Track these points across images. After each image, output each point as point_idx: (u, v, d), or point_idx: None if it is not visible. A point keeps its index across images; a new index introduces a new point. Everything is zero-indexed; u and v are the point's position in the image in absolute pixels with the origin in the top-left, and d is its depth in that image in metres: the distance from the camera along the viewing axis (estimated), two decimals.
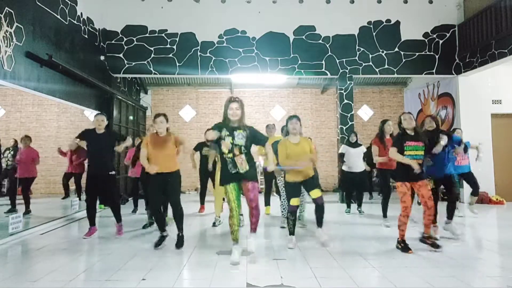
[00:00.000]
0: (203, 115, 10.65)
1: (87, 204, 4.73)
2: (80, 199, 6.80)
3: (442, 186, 4.78)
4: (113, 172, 4.81)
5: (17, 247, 4.32)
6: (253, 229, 3.73)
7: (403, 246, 3.89)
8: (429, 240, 3.98)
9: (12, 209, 6.06)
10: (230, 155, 3.50)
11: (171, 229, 4.35)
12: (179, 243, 4.09)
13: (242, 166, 3.49)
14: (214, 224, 5.39)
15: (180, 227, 4.16)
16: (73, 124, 8.99)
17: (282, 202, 5.34)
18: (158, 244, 4.07)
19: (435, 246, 3.90)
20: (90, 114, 7.47)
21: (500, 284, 2.97)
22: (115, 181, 5.01)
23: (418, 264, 3.46)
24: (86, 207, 4.74)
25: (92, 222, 4.77)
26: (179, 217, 4.16)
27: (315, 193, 4.03)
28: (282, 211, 5.35)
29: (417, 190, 3.94)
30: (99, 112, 4.92)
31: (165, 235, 4.14)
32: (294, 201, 4.10)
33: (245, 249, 3.76)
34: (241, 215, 5.31)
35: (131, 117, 9.09)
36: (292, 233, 4.21)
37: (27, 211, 6.15)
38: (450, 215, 4.56)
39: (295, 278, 3.09)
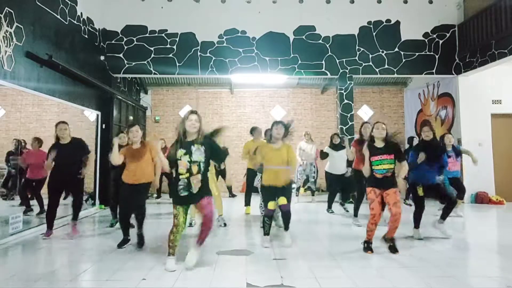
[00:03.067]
0: (203, 115, 10.42)
1: (48, 210, 4.71)
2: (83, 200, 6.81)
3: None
4: (81, 176, 4.85)
5: (17, 247, 4.32)
6: (199, 242, 3.43)
7: (364, 247, 3.90)
8: (387, 243, 3.91)
9: (28, 209, 6.06)
10: (187, 175, 3.28)
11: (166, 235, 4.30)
12: (140, 242, 4.12)
13: (196, 186, 3.28)
14: (224, 225, 5.37)
15: (140, 226, 4.17)
16: (73, 124, 8.96)
17: (261, 203, 5.37)
18: (121, 245, 4.13)
19: (393, 250, 3.83)
20: (90, 114, 7.47)
21: (499, 284, 2.97)
22: (82, 183, 5.05)
23: (417, 264, 3.46)
24: (47, 212, 4.71)
25: (50, 225, 4.72)
26: (140, 218, 4.18)
27: (282, 200, 4.11)
28: (262, 212, 5.39)
29: (385, 198, 3.84)
30: (62, 120, 4.88)
31: (128, 239, 4.21)
32: (271, 205, 4.15)
33: (243, 250, 3.76)
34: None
35: (131, 117, 9.08)
36: (267, 234, 4.27)
37: (42, 211, 6.14)
38: (444, 215, 4.52)
39: (295, 278, 3.09)
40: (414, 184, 4.46)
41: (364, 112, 10.85)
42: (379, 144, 3.90)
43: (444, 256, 3.74)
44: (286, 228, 4.26)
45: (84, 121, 8.18)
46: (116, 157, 4.08)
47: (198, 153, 3.32)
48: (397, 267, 3.38)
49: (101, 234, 4.92)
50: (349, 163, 6.28)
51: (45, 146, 8.53)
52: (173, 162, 3.37)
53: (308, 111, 10.77)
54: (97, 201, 7.15)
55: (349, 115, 8.14)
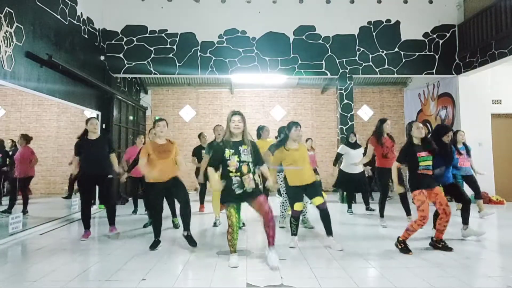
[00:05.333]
0: (203, 115, 10.65)
1: (83, 206, 4.70)
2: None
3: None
4: (111, 176, 4.77)
5: (16, 247, 4.32)
6: (271, 242, 3.47)
7: (403, 247, 3.88)
8: (439, 244, 3.94)
9: (8, 210, 6.01)
10: (238, 173, 3.38)
11: (168, 236, 4.30)
12: (191, 242, 4.06)
13: (250, 185, 3.38)
14: (214, 224, 5.38)
15: (187, 227, 4.11)
16: (73, 124, 8.99)
17: (283, 202, 5.34)
18: (153, 247, 4.05)
19: (447, 249, 3.88)
20: (90, 114, 7.46)
21: (500, 284, 2.97)
22: (113, 184, 4.98)
23: (418, 264, 3.45)
24: (82, 209, 4.70)
25: (87, 225, 4.68)
26: (187, 215, 4.10)
27: (318, 200, 4.02)
28: (282, 212, 5.36)
29: (434, 198, 3.92)
30: (93, 116, 4.88)
31: (160, 240, 4.14)
32: (297, 206, 4.09)
33: (243, 250, 3.75)
34: (243, 223, 5.33)
35: (131, 117, 9.09)
36: (294, 234, 4.21)
37: (24, 211, 6.10)
38: (465, 220, 4.50)
39: (295, 278, 3.09)
40: None
41: (364, 112, 10.85)
42: (418, 142, 3.99)
43: (444, 256, 3.73)
44: (329, 232, 4.10)
45: (84, 121, 8.19)
46: (143, 167, 4.05)
47: (246, 153, 3.41)
48: (397, 267, 3.37)
49: (100, 234, 4.91)
50: (368, 163, 6.27)
51: (43, 146, 8.58)
52: (217, 162, 3.46)
53: (308, 111, 10.77)
54: (97, 201, 7.13)
55: (349, 115, 8.14)
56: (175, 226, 5.20)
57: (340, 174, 6.62)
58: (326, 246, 4.09)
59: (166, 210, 5.37)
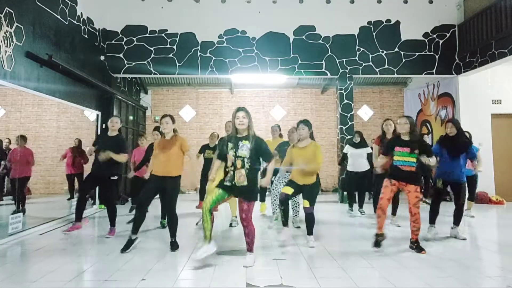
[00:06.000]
0: (203, 115, 10.66)
1: (78, 198, 4.79)
2: None
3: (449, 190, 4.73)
4: (115, 178, 4.81)
5: (16, 247, 4.32)
6: (249, 249, 3.56)
7: (374, 241, 3.93)
8: (413, 245, 3.93)
9: (18, 210, 6.02)
10: (232, 168, 3.43)
11: (166, 235, 4.28)
12: (174, 246, 4.03)
13: (240, 180, 3.38)
14: (230, 225, 5.34)
15: (172, 234, 4.08)
16: (73, 124, 8.97)
17: (272, 201, 5.37)
18: (125, 248, 3.93)
19: (418, 249, 3.86)
20: (90, 114, 7.46)
21: (500, 284, 2.97)
22: (115, 186, 5.00)
23: (418, 264, 3.45)
24: (77, 200, 4.80)
25: (78, 217, 4.73)
26: (172, 224, 4.09)
27: (305, 203, 4.14)
28: (274, 211, 5.39)
29: (406, 194, 3.96)
30: (116, 115, 4.95)
31: (133, 239, 4.01)
32: (285, 189, 4.16)
33: (243, 250, 3.74)
34: (235, 216, 5.32)
35: (131, 117, 9.08)
36: (285, 224, 4.25)
37: (22, 210, 6.09)
38: (456, 221, 4.52)
39: (295, 278, 3.08)
40: (437, 178, 4.55)
41: (364, 112, 10.85)
42: (405, 137, 4.02)
43: (444, 256, 3.73)
44: (309, 232, 4.23)
45: (84, 121, 8.19)
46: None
47: (244, 148, 3.42)
48: (397, 267, 3.37)
49: (99, 234, 4.91)
50: (371, 164, 6.31)
51: (43, 146, 8.56)
52: (222, 155, 3.57)
53: (308, 111, 10.77)
54: (97, 201, 7.14)
55: (349, 115, 8.14)
56: (162, 226, 5.22)
57: (346, 173, 6.69)
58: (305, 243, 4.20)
59: (158, 211, 5.42)
